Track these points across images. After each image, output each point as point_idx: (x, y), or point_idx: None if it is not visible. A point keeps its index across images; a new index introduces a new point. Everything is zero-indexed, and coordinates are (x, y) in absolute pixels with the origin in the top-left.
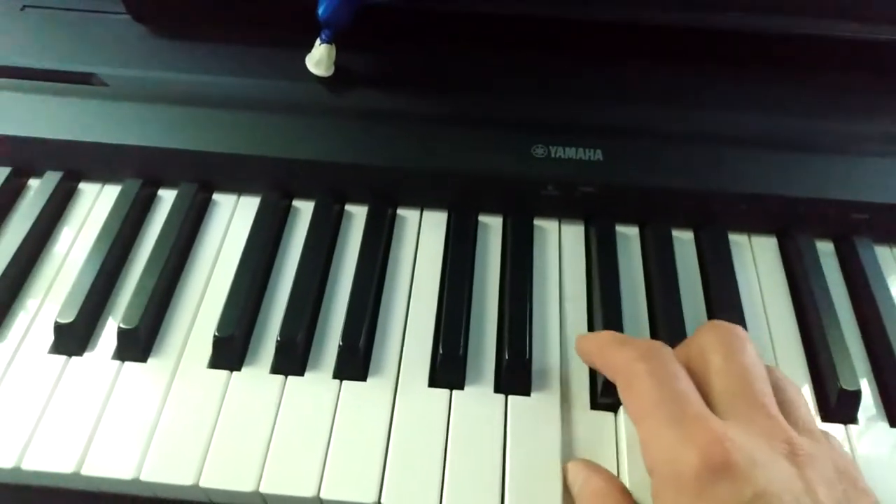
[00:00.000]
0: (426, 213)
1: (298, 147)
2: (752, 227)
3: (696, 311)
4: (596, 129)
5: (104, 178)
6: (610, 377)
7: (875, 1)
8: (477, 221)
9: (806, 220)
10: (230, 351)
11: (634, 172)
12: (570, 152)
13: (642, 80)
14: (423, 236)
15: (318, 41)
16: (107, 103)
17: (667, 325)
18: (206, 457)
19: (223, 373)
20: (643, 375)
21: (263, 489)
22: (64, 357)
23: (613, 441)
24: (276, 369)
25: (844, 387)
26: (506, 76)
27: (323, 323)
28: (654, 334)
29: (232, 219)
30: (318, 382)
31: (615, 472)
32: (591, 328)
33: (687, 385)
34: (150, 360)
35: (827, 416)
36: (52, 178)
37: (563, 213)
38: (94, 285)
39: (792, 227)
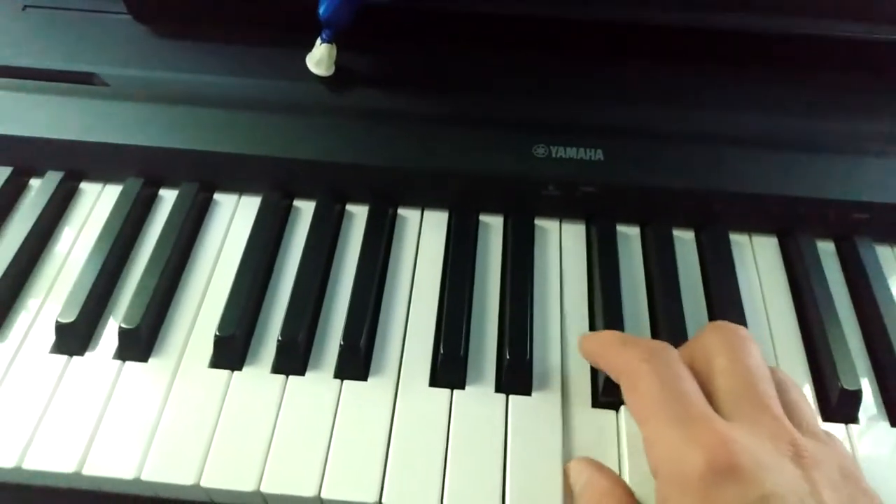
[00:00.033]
0: (427, 213)
1: (299, 147)
2: (753, 226)
3: (696, 310)
4: (597, 129)
5: (105, 177)
6: (614, 377)
7: (875, 1)
8: (478, 221)
9: (807, 219)
10: (231, 350)
11: (635, 172)
12: (571, 152)
13: (643, 80)
14: (423, 236)
15: (318, 41)
16: (108, 103)
17: (668, 324)
18: (207, 456)
19: (224, 372)
20: (648, 376)
21: (264, 489)
22: (65, 357)
23: (614, 441)
24: (277, 369)
25: (845, 386)
26: (506, 76)
27: (324, 322)
28: (655, 334)
29: (233, 218)
30: (319, 382)
31: (616, 472)
32: (591, 328)
33: (691, 386)
34: (151, 360)
35: (828, 416)
36: (54, 177)
37: (563, 212)
38: (95, 285)
39: (793, 226)
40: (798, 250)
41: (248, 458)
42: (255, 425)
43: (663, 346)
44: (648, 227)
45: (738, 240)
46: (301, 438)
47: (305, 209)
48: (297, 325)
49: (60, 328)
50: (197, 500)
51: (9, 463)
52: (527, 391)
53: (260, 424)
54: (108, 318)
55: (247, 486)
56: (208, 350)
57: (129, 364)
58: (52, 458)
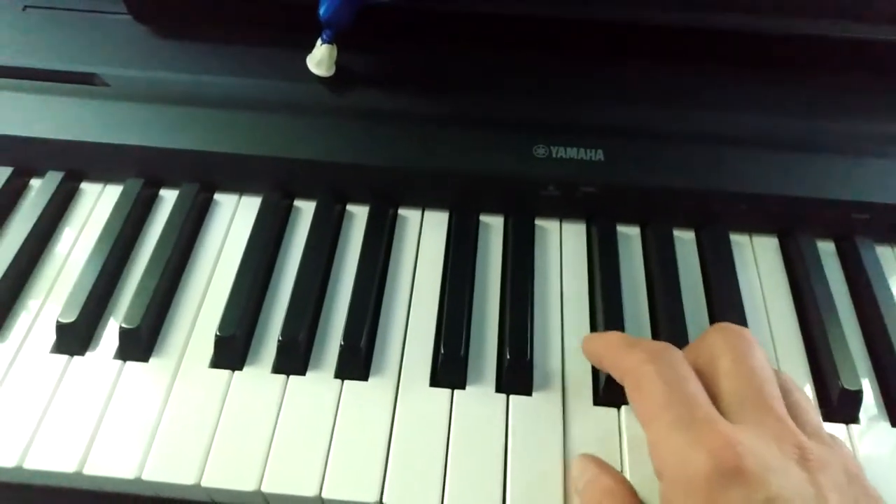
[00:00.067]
0: (427, 213)
1: (300, 147)
2: (754, 226)
3: (697, 311)
4: (597, 129)
5: (106, 178)
6: (618, 378)
7: (875, 1)
8: (478, 221)
9: (807, 219)
10: (232, 350)
11: (635, 172)
12: (572, 152)
13: (643, 80)
14: (424, 236)
15: (319, 41)
16: (108, 103)
17: (668, 324)
18: (207, 456)
19: (225, 372)
20: (652, 377)
21: (265, 489)
22: (66, 357)
23: (615, 440)
24: (277, 369)
25: (846, 386)
26: (506, 76)
27: (324, 322)
28: (656, 334)
29: (233, 219)
30: (319, 382)
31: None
32: (592, 328)
33: (696, 387)
34: (151, 360)
35: (828, 416)
36: (54, 178)
37: (564, 212)
38: (95, 285)
39: (793, 226)
40: (798, 250)
41: (248, 458)
42: (256, 425)
43: (667, 348)
44: (649, 227)
45: (739, 240)
46: (302, 438)
47: (306, 209)
48: (298, 325)
49: (61, 328)
50: (198, 500)
51: (10, 462)
52: (527, 391)
53: (261, 424)
54: (108, 319)
55: (247, 485)
56: (209, 350)
57: (130, 364)
58: (53, 457)
